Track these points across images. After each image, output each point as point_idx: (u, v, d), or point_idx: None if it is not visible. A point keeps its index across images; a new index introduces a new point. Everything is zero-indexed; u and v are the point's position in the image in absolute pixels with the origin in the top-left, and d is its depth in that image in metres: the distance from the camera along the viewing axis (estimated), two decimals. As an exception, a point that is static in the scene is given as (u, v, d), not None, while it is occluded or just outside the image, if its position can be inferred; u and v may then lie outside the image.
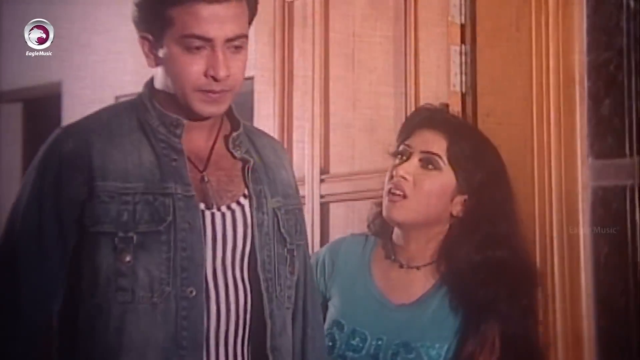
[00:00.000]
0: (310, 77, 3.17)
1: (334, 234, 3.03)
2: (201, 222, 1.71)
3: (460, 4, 2.69)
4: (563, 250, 2.43)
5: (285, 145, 3.24)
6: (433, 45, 2.78)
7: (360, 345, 1.99)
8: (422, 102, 2.75)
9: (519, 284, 1.99)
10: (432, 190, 1.99)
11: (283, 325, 1.77)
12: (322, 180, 3.09)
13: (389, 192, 2.01)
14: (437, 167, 2.00)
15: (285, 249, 1.80)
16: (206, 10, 1.67)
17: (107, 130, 1.72)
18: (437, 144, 2.01)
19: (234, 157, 1.79)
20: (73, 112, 4.08)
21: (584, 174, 2.44)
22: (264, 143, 1.86)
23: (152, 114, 1.75)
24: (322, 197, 3.07)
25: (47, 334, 1.70)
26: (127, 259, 1.66)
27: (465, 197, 2.02)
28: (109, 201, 1.67)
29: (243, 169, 1.78)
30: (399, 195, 1.99)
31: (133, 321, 1.65)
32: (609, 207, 2.40)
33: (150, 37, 1.71)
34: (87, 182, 1.68)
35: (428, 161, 2.00)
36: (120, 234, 1.66)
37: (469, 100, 2.66)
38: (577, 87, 2.46)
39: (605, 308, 2.38)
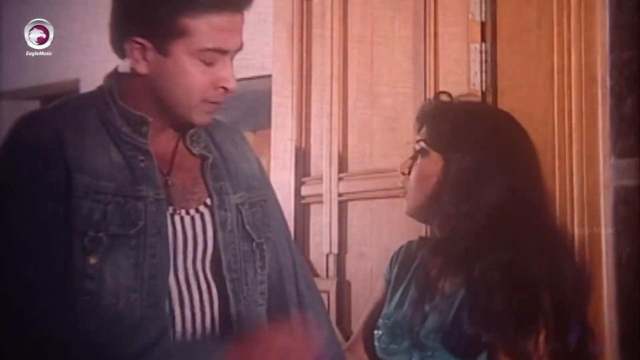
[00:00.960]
0: (328, 75, 3.17)
1: (352, 233, 3.03)
2: (168, 228, 1.63)
3: (481, 2, 2.67)
4: (584, 250, 2.41)
5: (303, 144, 3.23)
6: (453, 43, 2.76)
7: (397, 347, 2.00)
8: (441, 101, 2.74)
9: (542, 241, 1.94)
10: (421, 175, 2.04)
11: (255, 323, 1.70)
12: (340, 179, 3.08)
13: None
14: (424, 154, 2.04)
15: (254, 244, 1.73)
16: (223, 22, 1.60)
17: (75, 124, 1.62)
18: (423, 132, 2.06)
19: (193, 154, 1.72)
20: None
21: (605, 174, 2.42)
22: (223, 136, 1.78)
23: (114, 112, 1.65)
24: (340, 195, 3.06)
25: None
26: (94, 261, 1.57)
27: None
28: (83, 196, 1.58)
29: (201, 166, 1.71)
30: (402, 190, 2.07)
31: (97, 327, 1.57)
32: (631, 206, 2.38)
33: (147, 43, 1.60)
34: (64, 171, 1.58)
35: (418, 150, 2.06)
36: (91, 233, 1.57)
37: (489, 98, 2.65)
38: (599, 85, 2.44)
39: (627, 309, 2.36)
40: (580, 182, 2.45)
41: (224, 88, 1.63)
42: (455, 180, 1.98)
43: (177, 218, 1.66)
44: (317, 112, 3.23)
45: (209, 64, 1.61)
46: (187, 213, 1.67)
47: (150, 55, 1.61)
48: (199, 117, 1.66)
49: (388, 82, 2.99)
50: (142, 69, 1.62)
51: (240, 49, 1.64)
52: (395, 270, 2.13)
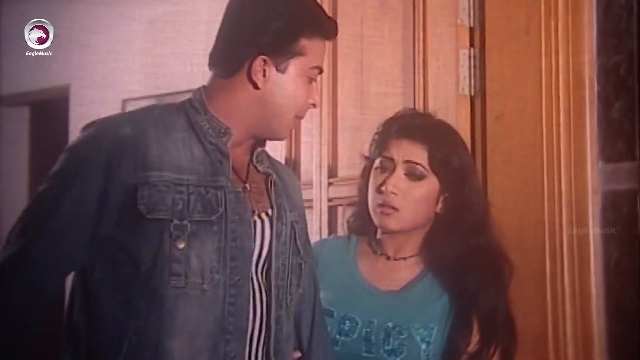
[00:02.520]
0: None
1: (342, 238, 3.02)
2: (250, 215, 1.81)
3: (469, 7, 2.68)
4: (573, 254, 2.43)
5: (293, 148, 3.24)
6: (442, 48, 2.77)
7: (352, 329, 2.07)
8: (430, 105, 2.75)
9: (498, 269, 2.09)
10: (421, 200, 2.09)
11: (290, 333, 1.86)
12: (330, 184, 3.08)
13: (380, 205, 2.10)
14: (421, 177, 2.09)
15: (300, 261, 1.90)
16: (323, 45, 1.84)
17: (161, 124, 1.79)
18: (417, 153, 2.10)
19: (258, 170, 1.88)
20: (80, 115, 4.08)
21: (594, 178, 2.43)
22: (279, 167, 1.98)
23: (202, 117, 1.82)
24: (329, 200, 3.07)
25: (51, 307, 1.75)
26: (181, 246, 1.73)
27: (446, 194, 2.11)
28: (165, 190, 1.74)
29: (266, 181, 1.88)
30: (391, 209, 2.09)
31: (185, 306, 1.73)
32: (619, 211, 2.39)
33: (269, 60, 1.79)
34: (140, 169, 1.74)
35: (412, 171, 2.09)
36: (176, 222, 1.73)
37: (477, 103, 2.65)
38: (586, 90, 2.46)
39: (616, 313, 2.37)
40: (569, 186, 2.46)
41: (312, 104, 1.85)
42: (457, 217, 2.09)
43: (249, 210, 1.83)
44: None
45: (310, 81, 1.83)
46: (253, 215, 1.83)
47: (269, 71, 1.80)
48: (286, 132, 1.87)
49: (378, 87, 3.00)
50: (261, 83, 1.80)
51: None
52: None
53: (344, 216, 3.02)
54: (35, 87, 4.46)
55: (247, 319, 1.77)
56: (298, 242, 1.89)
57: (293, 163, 3.23)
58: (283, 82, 1.81)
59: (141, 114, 1.83)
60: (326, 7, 3.12)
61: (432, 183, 2.09)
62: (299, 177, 3.21)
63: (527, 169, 2.51)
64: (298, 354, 1.94)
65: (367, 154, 2.21)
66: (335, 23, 1.88)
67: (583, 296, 2.41)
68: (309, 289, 1.95)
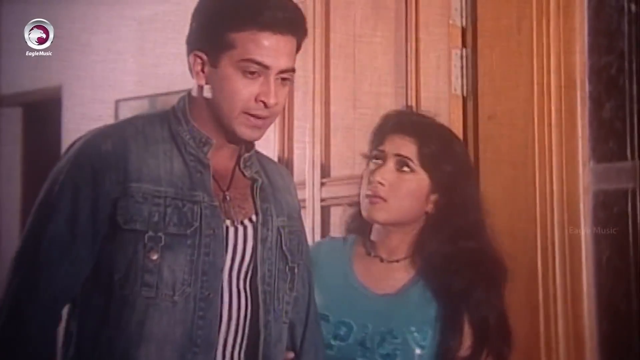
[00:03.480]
0: (311, 78, 3.17)
1: (335, 237, 3.03)
2: (224, 231, 1.81)
3: (461, 7, 2.69)
4: (565, 253, 2.43)
5: (286, 147, 3.25)
6: (434, 48, 2.78)
7: (347, 334, 2.07)
8: (423, 105, 2.76)
9: (490, 272, 2.08)
10: (408, 193, 2.09)
11: (279, 337, 1.87)
12: (322, 184, 3.09)
13: (368, 196, 2.11)
14: (411, 170, 2.09)
15: (287, 267, 1.89)
16: (268, 40, 1.78)
17: (141, 137, 1.81)
18: (407, 147, 2.10)
19: (244, 175, 1.88)
20: (73, 116, 4.08)
21: (585, 177, 2.44)
22: (272, 168, 1.97)
23: (184, 127, 1.83)
24: (322, 200, 3.07)
25: (58, 320, 1.78)
26: (155, 257, 1.75)
27: (436, 195, 2.11)
28: (142, 202, 1.76)
29: (252, 187, 1.88)
30: (378, 198, 2.09)
31: (155, 316, 1.75)
32: (610, 210, 2.40)
33: (204, 56, 1.80)
34: (122, 181, 1.76)
35: (402, 164, 2.10)
36: (150, 233, 1.76)
37: (469, 103, 2.66)
38: (578, 90, 2.47)
39: (607, 311, 2.38)
40: (560, 186, 2.47)
41: (264, 102, 1.79)
42: (446, 219, 2.09)
43: (224, 226, 1.83)
44: (299, 116, 3.23)
45: (250, 74, 1.78)
46: (233, 224, 1.83)
47: (206, 67, 1.81)
48: (240, 129, 1.81)
49: (370, 85, 3.00)
50: (200, 80, 1.82)
51: (286, 70, 1.81)
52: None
53: (337, 216, 3.03)
54: (29, 87, 4.46)
55: (216, 332, 1.78)
56: (284, 248, 1.89)
57: (286, 163, 3.24)
58: (217, 77, 1.80)
59: (122, 127, 1.84)
60: (319, 6, 3.13)
61: (421, 179, 2.09)
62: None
63: (518, 168, 2.52)
64: (291, 355, 1.94)
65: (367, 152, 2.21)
66: (285, 15, 1.80)
67: (574, 295, 2.42)
68: (302, 291, 1.95)
